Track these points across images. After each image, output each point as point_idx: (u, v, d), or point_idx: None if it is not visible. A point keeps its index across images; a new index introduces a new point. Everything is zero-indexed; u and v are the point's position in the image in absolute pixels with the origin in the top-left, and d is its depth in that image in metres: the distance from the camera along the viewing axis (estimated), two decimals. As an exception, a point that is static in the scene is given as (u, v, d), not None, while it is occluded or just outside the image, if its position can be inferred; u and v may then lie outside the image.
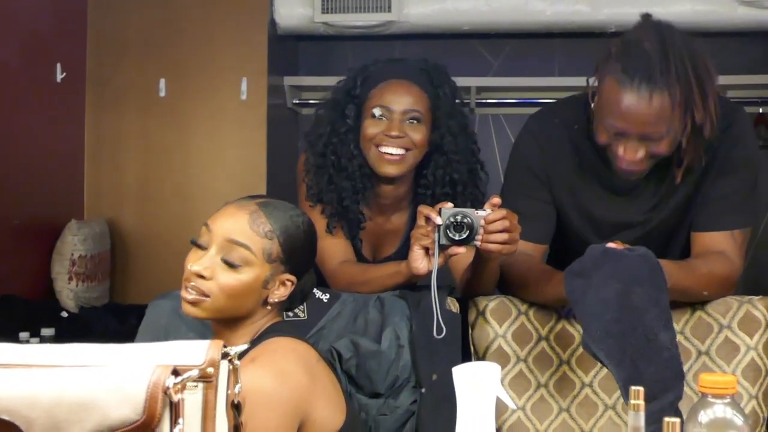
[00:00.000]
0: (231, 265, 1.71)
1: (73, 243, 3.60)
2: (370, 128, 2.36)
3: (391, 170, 2.35)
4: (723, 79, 3.97)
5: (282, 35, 4.16)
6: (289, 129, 4.33)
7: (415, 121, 2.36)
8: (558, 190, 2.33)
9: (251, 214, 1.74)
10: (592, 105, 2.18)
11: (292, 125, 4.39)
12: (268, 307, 1.77)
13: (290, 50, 4.41)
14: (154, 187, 3.95)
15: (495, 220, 1.98)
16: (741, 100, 4.12)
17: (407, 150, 2.35)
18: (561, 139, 2.32)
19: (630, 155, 2.11)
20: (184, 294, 1.73)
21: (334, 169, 2.40)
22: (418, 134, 2.35)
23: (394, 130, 2.33)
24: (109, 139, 3.97)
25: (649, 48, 2.06)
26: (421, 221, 2.04)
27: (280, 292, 1.77)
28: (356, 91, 2.41)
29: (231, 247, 1.72)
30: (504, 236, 1.99)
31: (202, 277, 1.71)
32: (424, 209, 2.03)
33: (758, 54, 4.33)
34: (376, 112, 2.36)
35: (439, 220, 1.99)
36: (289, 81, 4.25)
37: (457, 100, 2.45)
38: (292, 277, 1.77)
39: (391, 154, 2.34)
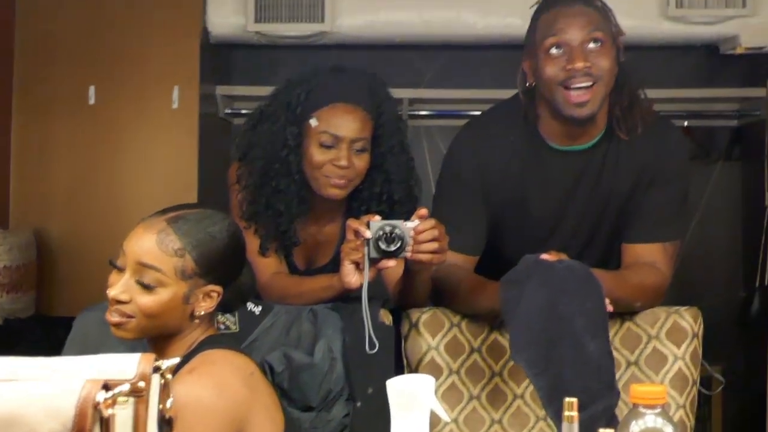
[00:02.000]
0: (146, 288, 1.70)
1: (-2, 253, 3.53)
2: (317, 156, 2.32)
3: (336, 194, 2.34)
4: (650, 93, 4.08)
5: (214, 43, 4.13)
6: (221, 138, 4.30)
7: (361, 151, 2.33)
8: (495, 199, 2.35)
9: (159, 233, 1.72)
10: (526, 71, 2.28)
11: (224, 134, 4.35)
12: (197, 321, 1.75)
13: (223, 59, 4.38)
14: (82, 197, 3.88)
15: (424, 231, 1.99)
16: (668, 113, 4.20)
17: (352, 178, 2.34)
18: (499, 147, 2.34)
19: (579, 62, 2.15)
20: (108, 317, 1.72)
21: (272, 194, 2.37)
22: (362, 162, 2.34)
23: (342, 160, 2.30)
24: (36, 147, 3.89)
25: None
26: (350, 235, 2.03)
27: (205, 305, 1.75)
28: (297, 109, 2.35)
29: (143, 270, 1.71)
30: (433, 246, 2.00)
31: (120, 301, 1.70)
32: (352, 223, 2.03)
33: (684, 68, 4.43)
34: (324, 139, 2.31)
35: (368, 234, 1.98)
36: (221, 90, 4.22)
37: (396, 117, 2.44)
38: (217, 288, 1.76)
39: (338, 182, 2.32)
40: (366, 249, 1.99)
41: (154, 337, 1.75)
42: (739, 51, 4.02)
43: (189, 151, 3.88)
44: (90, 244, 3.81)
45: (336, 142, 2.30)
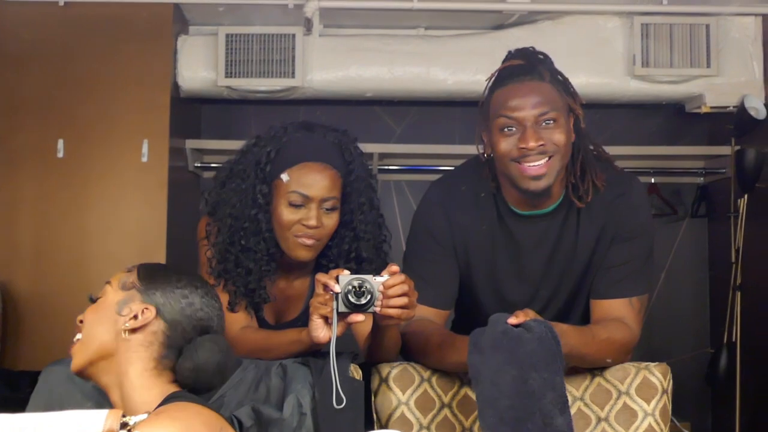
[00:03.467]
0: (93, 302, 1.82)
1: (-37, 306, 3.48)
2: (287, 215, 2.30)
3: (305, 255, 2.33)
4: (616, 150, 4.13)
5: (185, 98, 4.14)
6: (191, 192, 4.29)
7: (331, 210, 2.32)
8: (463, 256, 2.36)
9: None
10: (484, 140, 2.30)
11: (193, 188, 4.35)
12: (124, 335, 1.75)
13: (193, 113, 4.39)
14: (49, 250, 3.84)
15: (394, 285, 1.98)
16: (634, 170, 4.25)
17: (321, 237, 2.33)
18: (467, 205, 2.36)
19: (532, 142, 2.16)
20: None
21: (241, 252, 2.34)
22: (332, 221, 2.32)
23: (311, 220, 2.28)
24: (2, 200, 3.85)
25: (515, 63, 2.28)
26: (319, 289, 2.02)
27: (133, 321, 1.77)
28: (267, 168, 2.33)
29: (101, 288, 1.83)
30: (403, 300, 1.99)
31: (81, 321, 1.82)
32: (321, 277, 2.01)
33: (651, 126, 4.50)
34: (293, 199, 2.29)
35: (337, 288, 1.97)
36: (190, 144, 4.23)
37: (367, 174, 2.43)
38: (151, 306, 1.78)
39: (307, 243, 2.31)
40: (335, 303, 1.98)
41: (110, 385, 1.76)
42: (704, 110, 4.10)
43: (158, 204, 3.87)
44: (56, 298, 3.77)
45: (305, 201, 2.29)
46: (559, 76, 2.28)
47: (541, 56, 2.31)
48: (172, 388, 1.76)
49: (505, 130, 2.20)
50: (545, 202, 2.31)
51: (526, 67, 2.26)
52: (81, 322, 1.81)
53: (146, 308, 1.77)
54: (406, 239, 2.45)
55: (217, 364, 1.80)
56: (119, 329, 1.76)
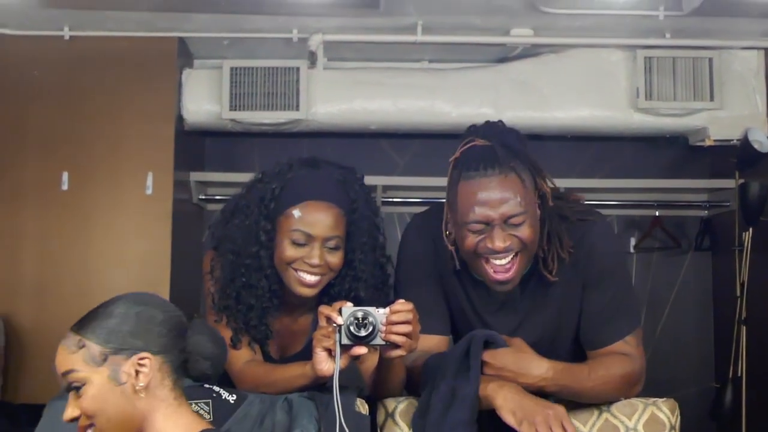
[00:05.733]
0: (77, 391, 1.72)
1: (-34, 339, 3.48)
2: (289, 252, 2.28)
3: (307, 292, 2.30)
4: (619, 183, 4.16)
5: (189, 131, 4.16)
6: (195, 224, 4.30)
7: (334, 249, 2.30)
8: (447, 286, 2.36)
9: (63, 342, 1.77)
10: (448, 229, 2.24)
11: (197, 221, 4.35)
12: (142, 396, 1.72)
13: (197, 146, 4.40)
14: (52, 283, 3.84)
15: (399, 311, 1.98)
16: (637, 202, 4.26)
17: (324, 274, 2.31)
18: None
19: (499, 243, 2.11)
20: None
21: (243, 288, 2.32)
22: (336, 259, 2.30)
23: (314, 258, 2.26)
24: (6, 232, 3.86)
25: (480, 143, 2.16)
26: (322, 322, 2.01)
27: (143, 375, 1.72)
28: (271, 205, 2.31)
29: (66, 378, 1.74)
30: (406, 328, 1.98)
31: (76, 419, 1.73)
32: (324, 310, 2.00)
33: (654, 158, 4.50)
34: (297, 237, 2.27)
35: (340, 320, 1.96)
36: (195, 176, 4.24)
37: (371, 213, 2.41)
38: (144, 355, 1.73)
39: (309, 280, 2.30)
40: (337, 336, 1.97)
41: None
42: (708, 143, 4.10)
43: (162, 236, 3.87)
44: (59, 331, 3.66)
45: (308, 240, 2.28)
46: (522, 159, 2.18)
47: (507, 133, 2.23)
48: (195, 420, 1.74)
49: (472, 225, 2.15)
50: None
51: (491, 156, 2.15)
52: (76, 420, 1.73)
53: (140, 358, 1.73)
54: (394, 270, 2.44)
55: (210, 335, 1.83)
56: (131, 394, 1.72)
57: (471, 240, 2.15)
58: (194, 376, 1.83)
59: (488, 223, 2.12)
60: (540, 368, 2.10)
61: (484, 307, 2.32)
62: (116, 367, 1.71)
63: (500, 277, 2.16)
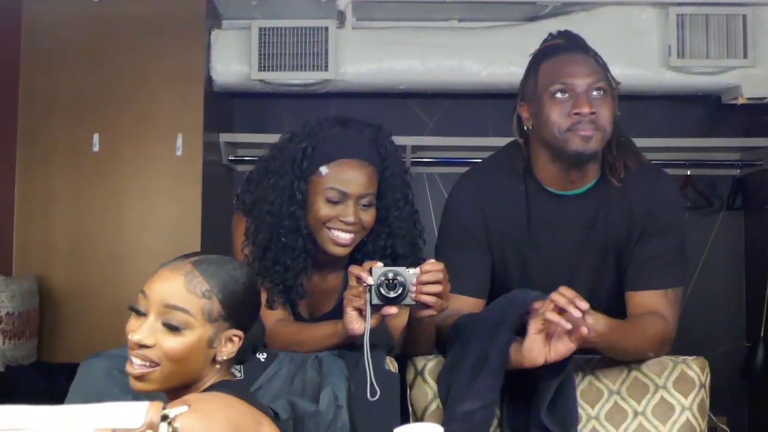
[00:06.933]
0: (173, 330, 1.67)
1: (1, 300, 3.52)
2: (324, 210, 2.29)
3: (340, 251, 2.32)
4: (651, 142, 4.13)
5: (218, 92, 4.16)
6: (224, 185, 4.31)
7: (368, 206, 2.31)
8: (497, 246, 2.36)
9: (186, 275, 1.70)
10: (523, 115, 2.33)
11: (226, 182, 4.37)
12: (217, 366, 1.73)
13: (226, 107, 4.41)
14: (85, 244, 3.87)
15: (429, 271, 1.99)
16: (670, 162, 4.22)
17: (358, 232, 2.32)
18: (498, 194, 2.35)
19: (585, 107, 2.19)
20: (129, 369, 1.68)
21: (281, 249, 2.33)
22: (369, 216, 2.31)
23: (349, 217, 2.28)
24: (39, 195, 3.89)
25: (560, 38, 2.36)
26: (352, 282, 2.02)
27: (227, 349, 1.73)
28: (304, 164, 2.32)
29: (169, 311, 1.67)
30: (437, 288, 1.99)
31: (145, 346, 1.66)
32: (354, 269, 2.02)
33: (687, 118, 4.46)
34: (331, 195, 2.29)
35: (370, 280, 1.97)
36: (224, 138, 4.25)
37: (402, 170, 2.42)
38: (239, 332, 1.74)
39: (344, 238, 2.31)
40: (368, 295, 1.98)
41: (173, 389, 1.72)
42: (740, 101, 4.06)
43: (192, 198, 3.89)
44: (92, 291, 3.81)
45: (343, 198, 2.29)
46: (601, 60, 2.32)
47: (582, 39, 2.35)
48: (223, 374, 1.76)
49: (557, 95, 2.22)
50: (581, 180, 2.30)
51: (572, 44, 2.31)
52: (145, 347, 1.66)
53: (235, 335, 1.73)
54: (438, 231, 2.45)
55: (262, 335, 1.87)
56: (210, 359, 1.72)
57: (557, 112, 2.23)
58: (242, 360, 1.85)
59: (574, 90, 2.22)
60: (599, 324, 2.05)
61: (550, 226, 2.34)
62: (218, 332, 1.71)
63: (586, 133, 2.20)
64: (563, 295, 1.96)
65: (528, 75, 2.33)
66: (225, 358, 1.72)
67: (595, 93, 2.22)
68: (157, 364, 1.67)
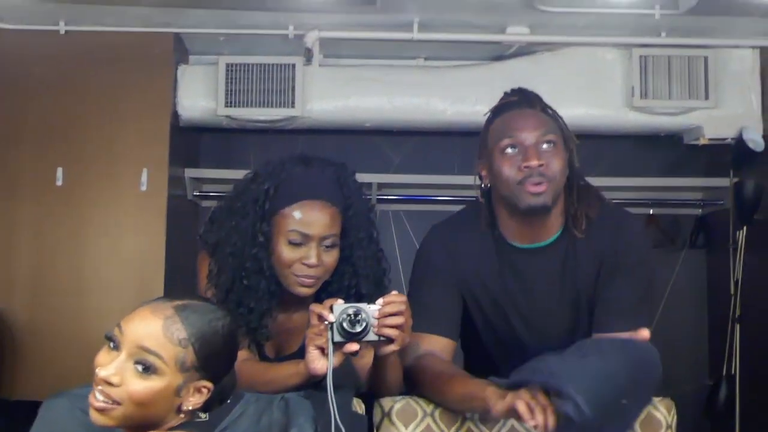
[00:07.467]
0: (142, 372, 1.63)
1: (-41, 334, 3.47)
2: (287, 253, 2.27)
3: (305, 292, 2.30)
4: (615, 181, 4.16)
5: (184, 127, 4.15)
6: (189, 221, 4.29)
7: (331, 247, 2.30)
8: (470, 295, 2.36)
9: (166, 319, 1.66)
10: (482, 174, 2.33)
11: (192, 217, 4.35)
12: (182, 415, 1.70)
13: (192, 142, 4.39)
14: (47, 278, 3.83)
15: (390, 302, 1.98)
16: (633, 201, 4.26)
17: (321, 276, 2.30)
18: (466, 247, 2.37)
19: (534, 160, 2.19)
20: (92, 400, 1.65)
21: (244, 291, 2.31)
22: (332, 258, 2.30)
23: (312, 258, 2.26)
24: (1, 227, 3.85)
25: (513, 95, 2.37)
26: (314, 320, 2.01)
27: (194, 400, 1.70)
28: (266, 205, 2.30)
29: (142, 353, 1.63)
30: (399, 320, 1.98)
31: (110, 384, 1.63)
32: (315, 308, 2.01)
33: (649, 157, 4.51)
34: (293, 237, 2.27)
35: (331, 318, 1.96)
36: (190, 173, 4.23)
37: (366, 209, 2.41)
38: (209, 384, 1.70)
39: (307, 281, 2.29)
40: (329, 333, 1.97)
41: (133, 427, 1.69)
42: (702, 142, 4.11)
43: (156, 233, 3.86)
44: (54, 325, 3.76)
45: (305, 240, 2.27)
46: (553, 113, 2.34)
47: (535, 94, 2.37)
48: (187, 418, 1.73)
49: (507, 150, 2.23)
50: (544, 233, 2.32)
51: (524, 100, 2.33)
52: (110, 385, 1.62)
53: (204, 386, 1.69)
54: (409, 281, 2.44)
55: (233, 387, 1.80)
56: (175, 406, 1.67)
57: (508, 167, 2.23)
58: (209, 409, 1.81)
59: (523, 144, 2.23)
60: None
61: (522, 280, 2.34)
62: (188, 382, 1.67)
63: (535, 189, 2.21)
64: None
65: (482, 133, 2.35)
66: (190, 408, 1.69)
67: (544, 146, 2.23)
68: (119, 404, 1.63)
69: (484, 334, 2.42)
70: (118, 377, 1.63)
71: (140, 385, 1.63)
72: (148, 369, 1.63)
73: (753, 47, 4.10)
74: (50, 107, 3.91)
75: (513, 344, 2.37)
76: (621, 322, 2.27)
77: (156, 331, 1.65)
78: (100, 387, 1.63)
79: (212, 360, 1.69)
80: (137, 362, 1.63)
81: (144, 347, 1.64)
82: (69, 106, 3.90)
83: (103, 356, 1.66)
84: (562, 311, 2.35)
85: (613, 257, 2.30)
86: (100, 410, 1.63)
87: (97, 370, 1.63)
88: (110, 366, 1.63)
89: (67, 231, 3.85)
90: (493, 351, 2.44)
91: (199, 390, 1.69)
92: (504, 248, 2.35)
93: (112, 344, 1.66)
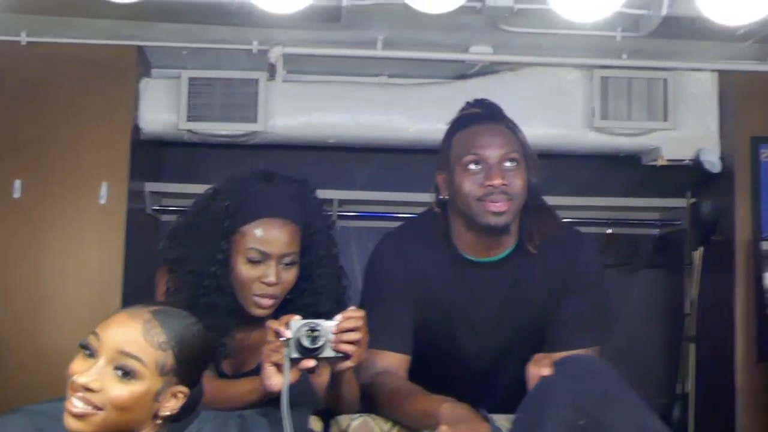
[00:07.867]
0: (123, 377, 1.63)
1: None
2: (245, 272, 2.27)
3: (263, 313, 2.29)
4: (573, 200, 4.19)
5: (145, 140, 4.12)
6: (149, 235, 4.25)
7: (290, 265, 2.30)
8: (420, 303, 2.37)
9: (145, 323, 1.67)
10: (440, 184, 2.36)
11: (151, 231, 4.31)
12: (158, 421, 1.70)
13: (153, 156, 4.36)
14: (3, 292, 3.76)
15: (351, 317, 1.98)
16: (592, 220, 4.29)
17: (279, 296, 2.30)
18: (421, 254, 2.38)
19: (498, 179, 2.21)
20: (69, 406, 1.62)
21: (203, 309, 2.27)
22: (290, 276, 2.30)
23: (270, 277, 2.25)
24: (-43, 240, 3.80)
25: (476, 107, 2.40)
26: (270, 336, 2.01)
27: (171, 405, 1.69)
28: (225, 223, 2.30)
29: (123, 358, 1.63)
30: (356, 335, 1.98)
31: (90, 390, 1.62)
32: (272, 324, 2.00)
33: (608, 177, 4.54)
34: (252, 255, 2.26)
35: (288, 334, 1.96)
36: (150, 187, 4.20)
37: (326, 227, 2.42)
38: (184, 389, 1.70)
39: (265, 302, 2.29)
40: (286, 350, 1.96)
41: None
42: (660, 162, 4.15)
43: (115, 247, 3.82)
44: (10, 341, 3.70)
45: (264, 257, 2.26)
46: (514, 126, 2.36)
47: (498, 107, 2.40)
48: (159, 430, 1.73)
49: (470, 166, 2.25)
50: (498, 247, 2.33)
51: (488, 114, 2.35)
52: (90, 391, 1.61)
53: (180, 391, 1.70)
54: (362, 291, 2.45)
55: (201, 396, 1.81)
56: (153, 412, 1.68)
57: (470, 183, 2.25)
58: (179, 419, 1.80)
59: (486, 162, 2.24)
60: None
61: (470, 292, 2.35)
62: (166, 386, 1.67)
63: (496, 208, 2.23)
64: None
65: (444, 144, 2.37)
66: (167, 413, 1.69)
67: (507, 164, 2.26)
68: (101, 409, 1.63)
69: (426, 347, 2.41)
70: (98, 383, 1.62)
71: (121, 390, 1.63)
72: (128, 374, 1.63)
73: (712, 70, 4.15)
74: (9, 118, 3.86)
75: (451, 354, 2.39)
76: (573, 340, 2.29)
77: (136, 335, 1.65)
78: (79, 393, 1.62)
79: (190, 364, 1.70)
80: (117, 367, 1.63)
81: (125, 352, 1.64)
82: (28, 117, 3.86)
83: (78, 364, 1.65)
84: (508, 325, 2.36)
85: (567, 276, 2.33)
86: (80, 416, 1.62)
87: (74, 377, 1.62)
88: (90, 372, 1.62)
89: (23, 244, 3.80)
90: (431, 363, 2.43)
91: (175, 395, 1.69)
92: (457, 260, 2.36)
93: (87, 352, 1.65)
